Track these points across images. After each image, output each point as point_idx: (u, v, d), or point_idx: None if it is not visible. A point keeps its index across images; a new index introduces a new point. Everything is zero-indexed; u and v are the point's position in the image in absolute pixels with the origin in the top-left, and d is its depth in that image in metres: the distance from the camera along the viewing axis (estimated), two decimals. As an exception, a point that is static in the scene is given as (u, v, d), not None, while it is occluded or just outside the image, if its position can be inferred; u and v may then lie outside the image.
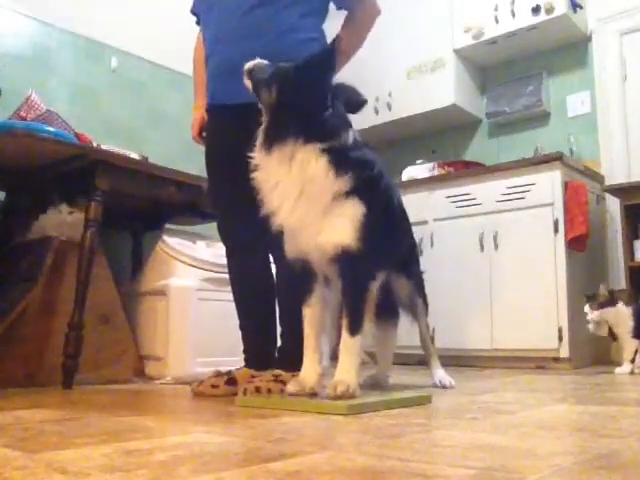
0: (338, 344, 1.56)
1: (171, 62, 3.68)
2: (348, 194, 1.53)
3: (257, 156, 1.60)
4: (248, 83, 1.65)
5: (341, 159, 1.54)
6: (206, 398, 1.84)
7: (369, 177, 1.60)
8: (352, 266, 1.54)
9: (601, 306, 2.78)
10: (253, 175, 1.60)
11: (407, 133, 4.47)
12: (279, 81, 1.57)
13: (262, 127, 1.60)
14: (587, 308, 2.82)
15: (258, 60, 1.66)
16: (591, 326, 2.82)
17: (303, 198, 1.53)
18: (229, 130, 1.94)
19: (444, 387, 2.04)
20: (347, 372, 1.52)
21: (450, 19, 4.10)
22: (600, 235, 3.60)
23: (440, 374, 2.09)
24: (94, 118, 3.33)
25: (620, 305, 2.77)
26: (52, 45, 3.25)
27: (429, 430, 1.16)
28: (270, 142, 1.56)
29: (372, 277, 1.60)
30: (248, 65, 1.65)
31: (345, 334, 1.54)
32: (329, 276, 1.65)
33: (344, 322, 1.54)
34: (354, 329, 1.53)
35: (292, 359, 1.77)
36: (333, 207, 1.53)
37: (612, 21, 3.82)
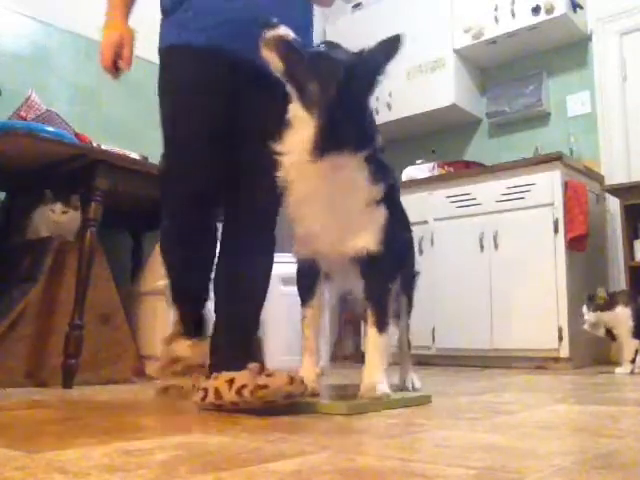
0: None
1: (171, 62, 3.68)
2: (379, 201, 1.53)
3: (296, 160, 1.44)
4: (274, 56, 1.46)
5: (377, 166, 1.52)
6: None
7: (393, 182, 1.62)
8: (378, 268, 1.55)
9: (599, 309, 2.78)
10: (285, 178, 1.47)
11: (407, 133, 4.47)
12: (347, 75, 1.41)
13: (311, 128, 1.42)
14: (584, 308, 2.82)
15: (291, 33, 1.46)
16: (586, 325, 2.82)
17: (337, 205, 1.49)
18: (242, 92, 1.67)
19: (414, 389, 1.99)
20: (377, 370, 1.52)
21: (450, 19, 4.10)
22: (600, 235, 3.60)
23: (412, 377, 2.04)
24: (94, 118, 3.32)
25: (619, 308, 2.77)
26: (52, 45, 3.24)
27: (429, 430, 1.16)
28: (323, 150, 1.41)
29: (394, 277, 1.65)
30: (283, 33, 1.45)
31: (374, 332, 1.54)
32: (341, 278, 1.65)
33: (371, 321, 1.54)
34: (382, 327, 1.54)
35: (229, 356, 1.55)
36: (364, 213, 1.52)
37: (612, 21, 3.82)
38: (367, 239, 1.52)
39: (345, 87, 1.41)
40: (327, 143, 1.41)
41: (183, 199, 1.70)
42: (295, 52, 1.47)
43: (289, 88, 1.49)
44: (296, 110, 1.48)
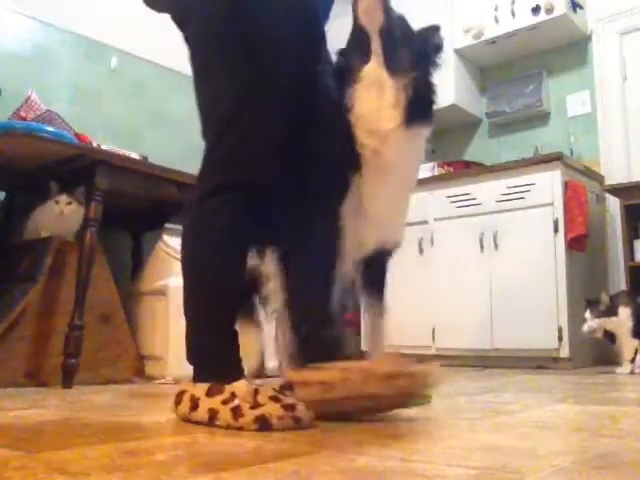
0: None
1: (171, 62, 3.68)
2: None
3: (382, 127, 1.35)
4: (378, 8, 1.37)
5: None
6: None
7: None
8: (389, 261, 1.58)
9: (602, 314, 2.78)
10: (366, 144, 1.37)
11: (407, 133, 4.46)
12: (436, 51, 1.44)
13: (397, 94, 1.35)
14: (588, 314, 2.81)
15: None
16: (586, 328, 2.82)
17: (404, 185, 1.47)
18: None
19: None
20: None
21: (450, 19, 4.10)
22: (600, 235, 3.60)
23: None
24: (94, 118, 3.33)
25: (620, 310, 2.77)
26: (52, 45, 3.24)
27: (429, 430, 1.16)
28: (411, 120, 1.36)
29: None
30: None
31: (381, 318, 1.57)
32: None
33: (380, 308, 1.57)
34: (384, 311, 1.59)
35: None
36: (409, 198, 1.52)
37: (612, 21, 3.82)
38: (403, 231, 1.52)
39: (433, 61, 1.42)
40: (416, 112, 1.36)
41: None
42: (392, 11, 1.41)
43: (375, 47, 1.38)
44: (375, 73, 1.38)
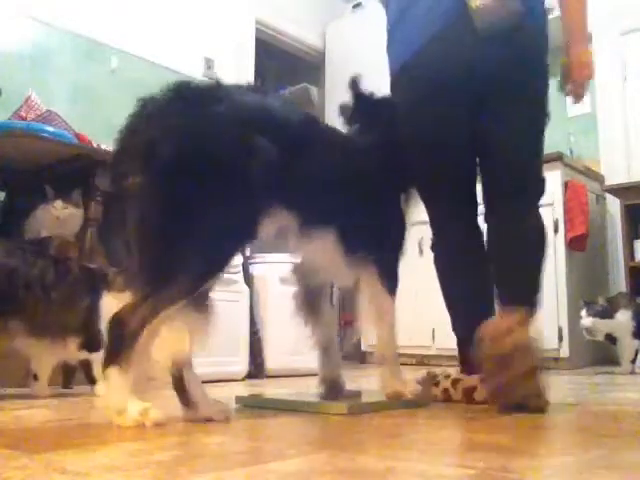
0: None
1: (171, 62, 3.68)
2: None
3: None
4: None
5: None
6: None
7: None
8: None
9: (598, 315, 2.77)
10: None
11: (407, 133, 4.45)
12: None
13: None
14: (583, 312, 2.82)
15: None
16: (584, 331, 2.82)
17: None
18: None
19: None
20: None
21: (450, 19, 4.09)
22: (600, 235, 3.59)
23: None
24: (94, 118, 3.32)
25: (620, 312, 2.77)
26: (52, 45, 3.24)
27: (429, 430, 1.16)
28: None
29: None
30: None
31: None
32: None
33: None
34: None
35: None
36: None
37: (612, 21, 3.81)
38: None
39: None
40: None
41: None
42: None
43: None
44: None
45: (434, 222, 1.80)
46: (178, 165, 1.17)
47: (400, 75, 1.69)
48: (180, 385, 1.26)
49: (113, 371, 1.14)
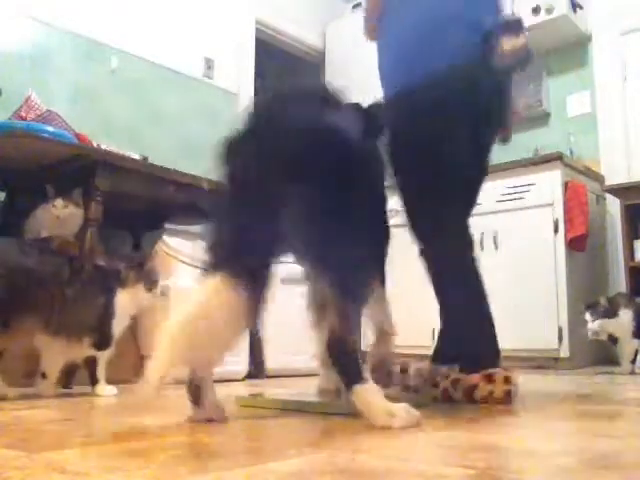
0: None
1: (171, 62, 3.68)
2: None
3: None
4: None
5: None
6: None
7: None
8: None
9: (602, 316, 2.77)
10: None
11: (407, 133, 4.46)
12: None
13: None
14: (588, 316, 2.81)
15: None
16: (590, 333, 2.82)
17: None
18: None
19: None
20: None
21: (450, 19, 4.09)
22: (600, 235, 3.59)
23: None
24: (94, 118, 3.32)
25: (621, 312, 2.77)
26: (52, 45, 3.24)
27: (429, 430, 1.16)
28: None
29: None
30: None
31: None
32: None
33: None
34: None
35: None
36: None
37: (612, 21, 3.82)
38: None
39: None
40: None
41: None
42: None
43: None
44: None
45: (436, 224, 1.79)
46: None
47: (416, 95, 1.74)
48: (197, 386, 1.25)
49: (364, 388, 1.16)
